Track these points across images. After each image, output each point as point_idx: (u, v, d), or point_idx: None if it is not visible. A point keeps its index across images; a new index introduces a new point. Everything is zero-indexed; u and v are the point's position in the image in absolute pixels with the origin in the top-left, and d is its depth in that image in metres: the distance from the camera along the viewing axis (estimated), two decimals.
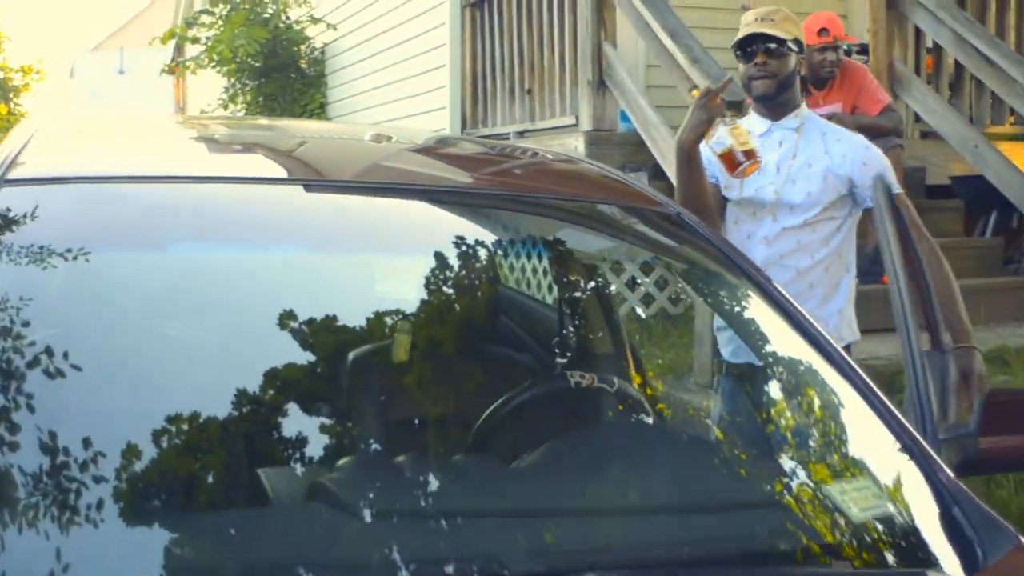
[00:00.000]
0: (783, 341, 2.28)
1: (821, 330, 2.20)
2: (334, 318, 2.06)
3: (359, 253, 2.25)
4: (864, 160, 3.42)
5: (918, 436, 2.02)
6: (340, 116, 11.21)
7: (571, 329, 2.64)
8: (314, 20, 11.25)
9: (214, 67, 11.24)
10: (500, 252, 2.51)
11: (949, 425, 2.27)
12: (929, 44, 7.45)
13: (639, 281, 6.55)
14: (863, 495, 1.92)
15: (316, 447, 1.91)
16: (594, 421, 2.33)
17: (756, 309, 2.34)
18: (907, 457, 1.95)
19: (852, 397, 2.07)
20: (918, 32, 7.30)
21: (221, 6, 11.25)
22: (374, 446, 2.06)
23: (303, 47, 11.74)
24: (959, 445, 2.19)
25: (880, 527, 1.84)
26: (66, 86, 33.98)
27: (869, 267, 5.69)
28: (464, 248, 2.30)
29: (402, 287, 2.35)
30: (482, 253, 2.38)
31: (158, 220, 1.98)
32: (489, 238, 2.48)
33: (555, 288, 2.72)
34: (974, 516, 1.81)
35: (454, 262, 2.27)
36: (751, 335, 2.47)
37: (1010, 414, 2.27)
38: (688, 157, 3.29)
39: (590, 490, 1.85)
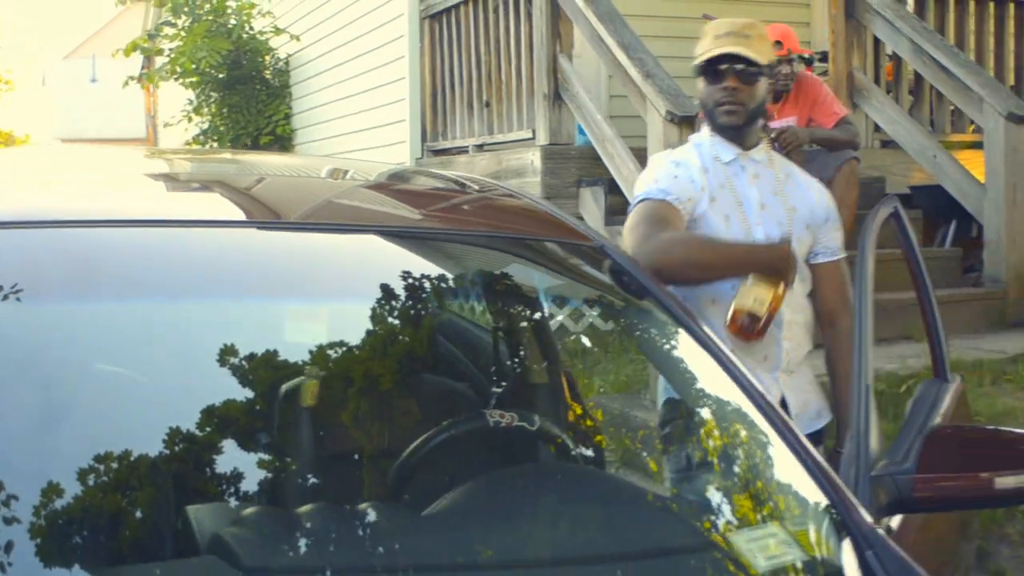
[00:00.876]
0: (706, 379, 2.24)
1: (744, 369, 2.15)
2: (247, 362, 2.00)
3: (275, 296, 2.18)
4: (828, 214, 3.23)
5: (836, 479, 1.98)
6: (305, 127, 11.13)
7: (503, 365, 2.59)
8: (278, 31, 11.17)
9: (177, 79, 11.15)
10: (428, 290, 2.44)
11: (885, 463, 2.23)
12: (890, 53, 7.42)
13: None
14: (772, 542, 1.89)
15: (219, 494, 1.85)
16: (510, 463, 2.28)
17: (679, 345, 2.29)
18: (824, 502, 1.91)
19: (771, 438, 2.04)
20: (877, 42, 7.27)
21: (183, 18, 11.16)
22: (282, 493, 1.99)
23: (268, 58, 11.67)
24: (892, 483, 2.16)
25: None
26: (38, 95, 33.79)
27: None
28: (392, 288, 2.24)
29: (321, 329, 2.28)
30: (409, 292, 2.32)
31: (76, 263, 1.92)
32: (416, 276, 2.41)
33: (486, 325, 2.66)
34: (888, 561, 1.79)
35: (381, 302, 2.22)
36: (674, 371, 2.42)
37: (944, 454, 2.24)
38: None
39: (494, 539, 1.81)
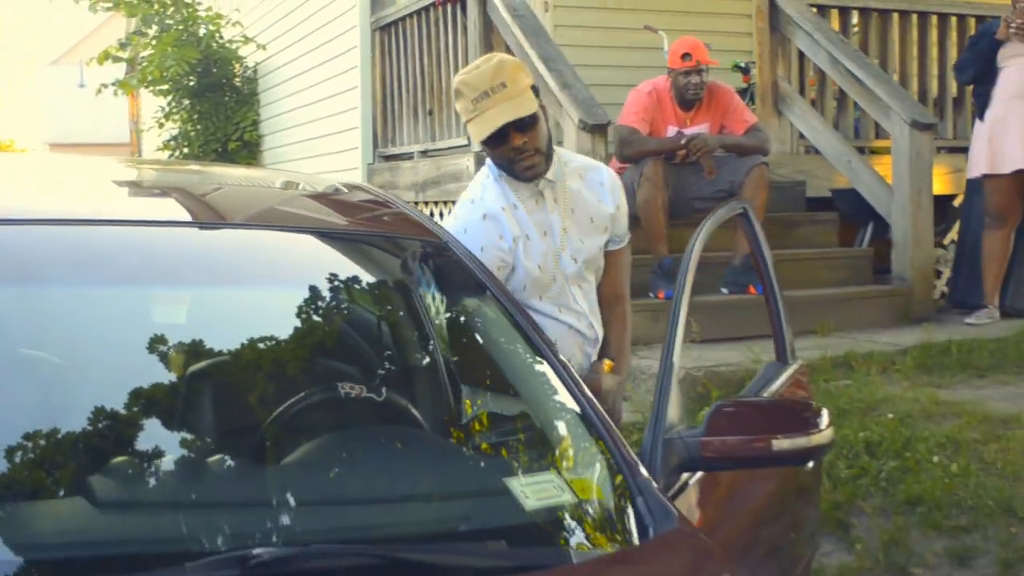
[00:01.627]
0: (524, 360, 2.60)
1: (557, 355, 2.52)
2: (117, 344, 2.34)
3: (143, 285, 2.50)
4: (617, 202, 3.33)
5: (621, 440, 2.34)
6: (271, 133, 11.48)
7: (358, 346, 2.90)
8: (246, 40, 11.51)
9: (147, 87, 11.49)
10: (295, 280, 2.75)
11: (680, 428, 2.56)
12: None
13: None
14: (550, 487, 2.22)
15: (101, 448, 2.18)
16: (354, 426, 2.59)
17: (504, 331, 2.64)
18: (606, 459, 2.27)
19: (573, 407, 2.39)
20: (802, 53, 7.61)
21: (154, 27, 11.51)
22: (150, 449, 2.31)
23: (237, 66, 12.00)
24: (682, 445, 2.49)
25: (561, 515, 2.14)
26: (26, 100, 34.10)
27: (736, 278, 6.02)
28: (265, 278, 2.60)
29: (189, 315, 2.60)
30: (280, 282, 2.66)
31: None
32: (287, 268, 2.74)
33: (344, 312, 2.96)
34: (653, 505, 2.13)
35: (248, 292, 2.57)
36: (498, 352, 2.74)
37: (728, 423, 2.56)
38: None
39: (314, 482, 2.15)
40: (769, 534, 3.12)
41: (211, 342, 2.50)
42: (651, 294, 6.03)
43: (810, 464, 3.22)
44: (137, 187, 3.13)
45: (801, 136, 7.61)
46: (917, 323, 6.29)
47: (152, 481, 2.07)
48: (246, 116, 11.70)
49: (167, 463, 2.11)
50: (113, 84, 11.81)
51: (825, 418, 2.57)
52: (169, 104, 12.03)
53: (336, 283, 2.86)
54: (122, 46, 11.80)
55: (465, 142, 7.10)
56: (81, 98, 30.42)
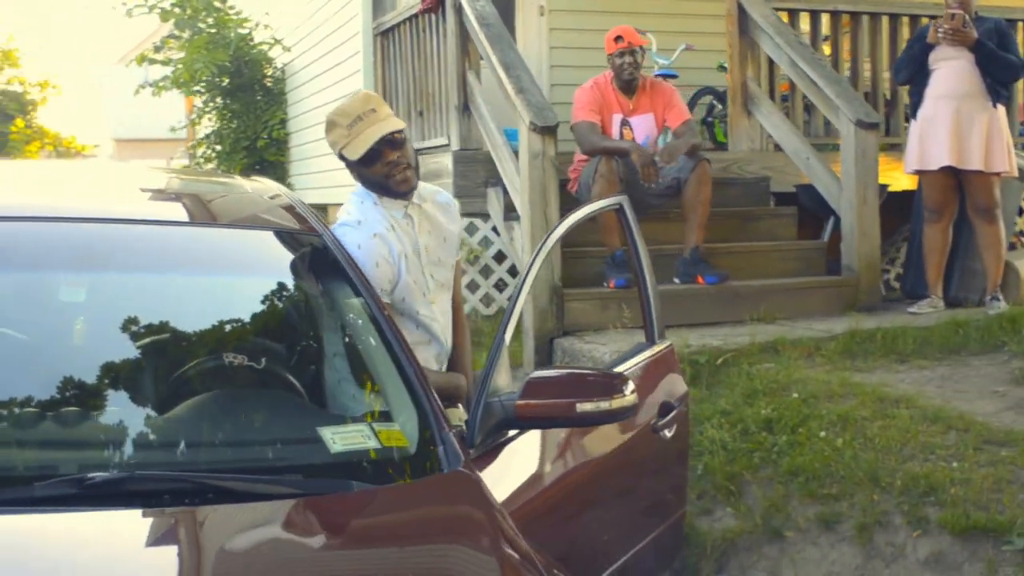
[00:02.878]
0: (369, 337, 3.07)
1: (397, 332, 3.00)
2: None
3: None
4: (457, 217, 3.77)
5: (437, 405, 2.82)
6: (297, 131, 12.04)
7: (244, 324, 3.36)
8: (275, 42, 12.09)
9: (179, 88, 12.13)
10: (185, 268, 3.22)
11: (500, 393, 3.02)
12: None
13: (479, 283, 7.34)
14: (357, 436, 2.71)
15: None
16: (233, 387, 3.05)
17: (359, 314, 3.12)
18: (420, 418, 2.75)
19: (403, 378, 2.87)
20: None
21: (187, 31, 12.14)
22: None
23: (268, 68, 12.59)
24: (500, 406, 2.95)
25: (360, 458, 2.60)
26: (92, 98, 35.16)
27: (685, 269, 6.45)
28: (161, 267, 3.12)
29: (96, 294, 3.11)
30: (173, 269, 3.16)
31: None
32: (176, 258, 3.22)
33: (232, 295, 3.42)
34: (450, 453, 2.64)
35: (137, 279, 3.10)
36: (352, 330, 3.20)
37: (544, 390, 3.01)
38: None
39: (164, 425, 2.65)
40: (605, 491, 3.55)
41: (112, 318, 3.02)
42: (604, 284, 6.46)
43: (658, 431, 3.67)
44: (68, 188, 3.66)
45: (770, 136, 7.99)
46: (863, 312, 6.64)
47: (41, 421, 2.58)
48: (274, 115, 12.29)
49: (58, 408, 2.63)
50: (150, 85, 12.46)
51: (630, 387, 3.00)
52: (205, 104, 12.66)
53: (228, 271, 3.34)
54: (156, 49, 12.45)
55: (446, 141, 7.59)
56: (144, 96, 31.25)
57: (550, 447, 3.38)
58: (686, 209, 6.61)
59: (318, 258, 3.27)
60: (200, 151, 12.68)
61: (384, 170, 3.46)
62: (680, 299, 6.45)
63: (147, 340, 2.99)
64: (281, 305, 3.28)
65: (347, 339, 3.18)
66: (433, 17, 7.71)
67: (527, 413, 2.93)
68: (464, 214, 7.15)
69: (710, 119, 9.15)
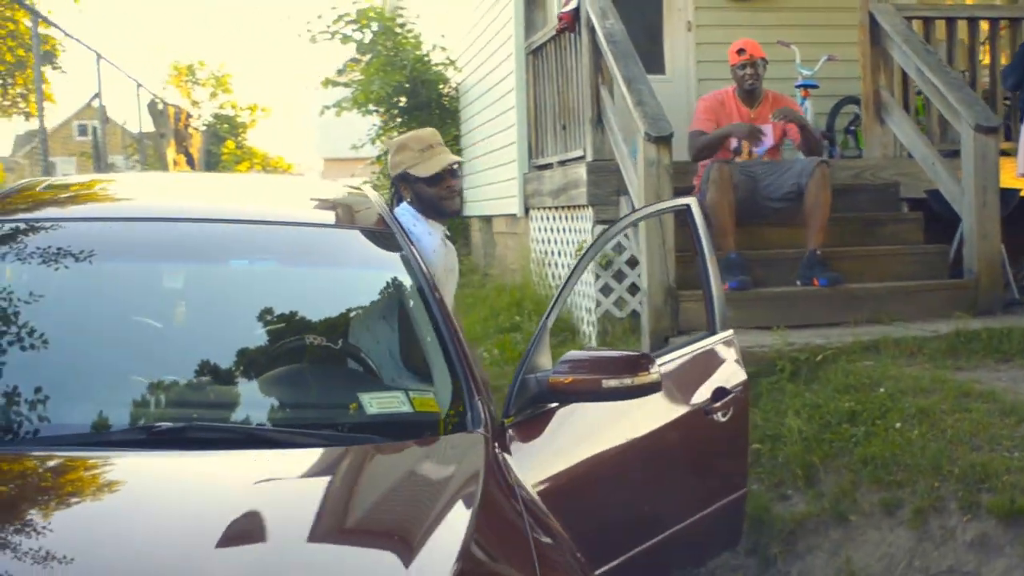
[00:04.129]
0: (422, 315, 3.53)
1: (449, 314, 3.46)
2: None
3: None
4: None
5: (476, 376, 3.26)
6: (467, 147, 12.66)
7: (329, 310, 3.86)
8: (449, 63, 12.78)
9: (357, 109, 12.94)
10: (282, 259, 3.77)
11: (538, 370, 3.44)
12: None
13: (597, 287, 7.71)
14: (393, 400, 3.19)
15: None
16: (301, 360, 3.55)
17: (415, 294, 3.59)
18: (455, 389, 3.19)
19: (445, 359, 3.32)
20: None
21: (368, 55, 12.95)
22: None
23: (445, 87, 13.27)
24: (535, 381, 3.37)
25: (391, 419, 3.07)
26: (306, 120, 36.91)
27: (803, 272, 6.70)
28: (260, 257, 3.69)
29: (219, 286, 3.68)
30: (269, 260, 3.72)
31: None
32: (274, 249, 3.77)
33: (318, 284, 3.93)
34: (475, 417, 3.07)
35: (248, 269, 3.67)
36: (409, 307, 3.67)
37: (576, 367, 3.40)
38: None
39: (236, 390, 3.18)
40: (650, 465, 3.89)
41: (212, 303, 3.59)
42: None
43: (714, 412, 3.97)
44: (182, 195, 4.28)
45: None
46: (984, 315, 6.71)
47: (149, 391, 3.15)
48: (448, 132, 12.95)
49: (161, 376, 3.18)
50: (333, 106, 13.33)
51: (655, 366, 3.36)
52: (384, 123, 13.45)
53: (310, 262, 3.85)
54: (339, 72, 13.32)
55: (582, 153, 8.01)
56: (350, 117, 32.67)
57: (597, 420, 3.71)
58: (806, 213, 6.86)
59: (388, 251, 3.75)
60: (380, 168, 13.45)
61: (442, 192, 4.12)
62: (796, 300, 6.71)
63: (245, 322, 3.51)
64: (351, 291, 3.77)
65: (405, 321, 3.64)
66: (570, 36, 8.15)
67: (558, 387, 3.32)
68: (597, 221, 7.62)
69: (852, 128, 9.29)
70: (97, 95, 13.17)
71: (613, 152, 7.70)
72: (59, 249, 3.44)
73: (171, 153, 19.30)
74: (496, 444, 3.08)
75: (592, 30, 7.62)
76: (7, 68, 16.88)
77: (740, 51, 7.02)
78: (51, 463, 2.69)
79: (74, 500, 2.50)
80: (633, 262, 7.85)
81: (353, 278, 3.83)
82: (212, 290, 3.67)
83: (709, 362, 4.26)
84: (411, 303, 3.67)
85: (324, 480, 2.77)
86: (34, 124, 14.93)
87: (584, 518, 3.38)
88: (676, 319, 6.59)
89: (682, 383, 4.13)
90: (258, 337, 3.50)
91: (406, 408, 3.17)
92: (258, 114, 25.36)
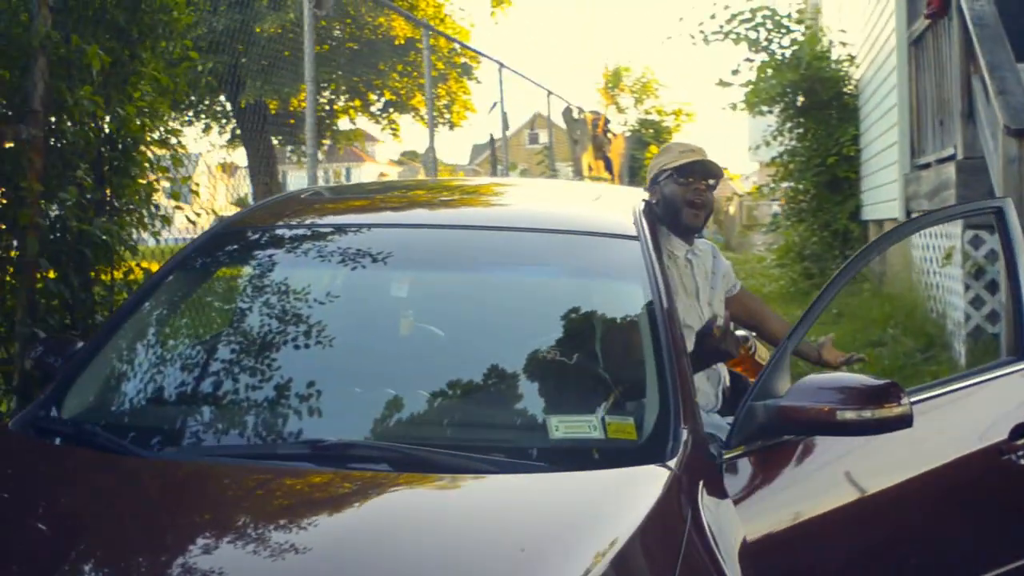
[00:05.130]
0: (645, 340, 3.19)
1: (671, 337, 3.10)
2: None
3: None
4: (724, 262, 3.92)
5: (685, 409, 2.86)
6: (865, 146, 11.86)
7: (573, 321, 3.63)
8: (850, 59, 12.10)
9: (747, 109, 12.53)
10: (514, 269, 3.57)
11: (773, 395, 3.03)
12: None
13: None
14: (579, 426, 2.85)
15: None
16: (507, 376, 3.33)
17: (644, 322, 3.25)
18: (662, 418, 2.80)
19: (660, 382, 2.97)
20: None
21: (761, 54, 12.51)
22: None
23: (845, 84, 12.56)
24: (763, 409, 2.94)
25: (576, 446, 2.74)
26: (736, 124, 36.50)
27: None
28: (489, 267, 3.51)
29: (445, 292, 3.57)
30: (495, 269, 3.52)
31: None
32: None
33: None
34: (676, 448, 2.66)
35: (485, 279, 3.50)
36: (635, 336, 3.34)
37: (812, 394, 2.92)
38: None
39: (416, 407, 2.99)
40: (918, 515, 3.29)
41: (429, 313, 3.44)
42: None
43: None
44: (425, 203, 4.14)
45: None
46: None
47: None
48: (846, 131, 12.23)
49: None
50: (727, 108, 13.01)
51: (903, 398, 2.81)
52: (779, 123, 12.94)
53: (537, 270, 3.61)
54: (733, 73, 12.96)
55: (953, 151, 7.23)
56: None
57: (848, 455, 3.16)
58: None
59: (623, 260, 3.40)
60: (774, 170, 12.97)
61: (686, 193, 3.66)
62: None
63: (452, 333, 3.34)
64: (568, 301, 3.46)
65: (624, 336, 3.29)
66: (944, 21, 7.39)
67: (788, 416, 2.88)
68: (969, 226, 6.84)
69: None
70: (496, 103, 13.61)
71: (983, 149, 6.89)
72: (290, 255, 3.43)
73: (587, 159, 19.65)
74: (692, 479, 2.68)
75: (960, 13, 6.85)
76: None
77: None
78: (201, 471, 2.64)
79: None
80: None
81: (578, 287, 3.50)
82: (432, 299, 3.50)
83: (1009, 393, 3.60)
84: (636, 318, 3.30)
85: (420, 510, 2.50)
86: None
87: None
88: None
89: (970, 417, 3.52)
90: (463, 350, 3.29)
91: (596, 434, 2.79)
92: (682, 118, 25.38)
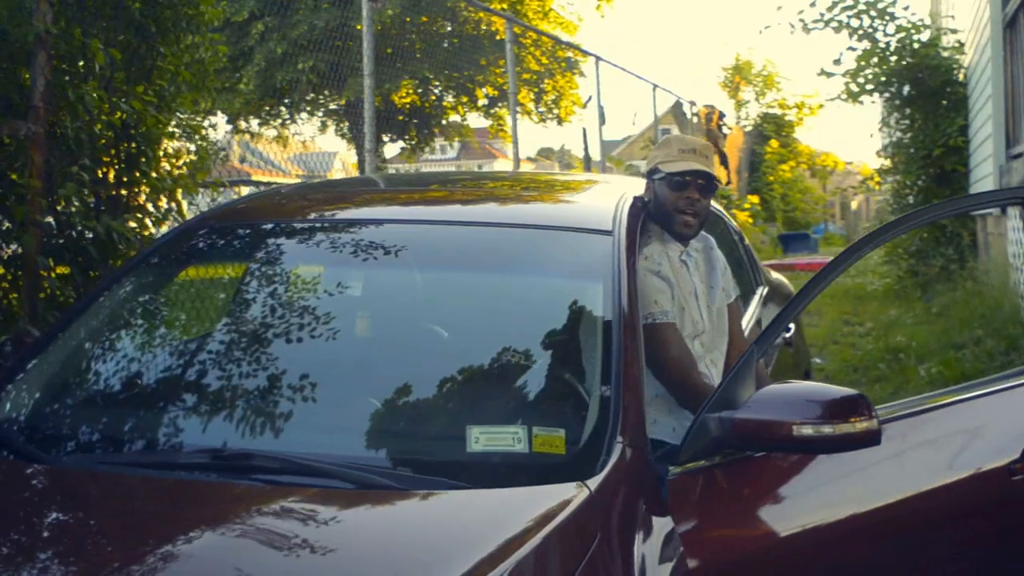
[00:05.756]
0: (593, 348, 2.96)
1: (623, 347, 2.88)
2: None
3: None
4: (724, 262, 3.62)
5: (622, 422, 2.63)
6: (972, 137, 11.31)
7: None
8: (959, 46, 11.53)
9: (848, 100, 12.03)
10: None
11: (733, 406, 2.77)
12: None
13: None
14: (501, 438, 2.65)
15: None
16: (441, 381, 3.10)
17: (595, 332, 3.03)
18: (600, 433, 2.57)
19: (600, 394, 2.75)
20: None
21: (864, 42, 12.00)
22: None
23: (955, 73, 11.97)
24: (717, 422, 2.64)
25: (496, 460, 2.54)
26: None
27: None
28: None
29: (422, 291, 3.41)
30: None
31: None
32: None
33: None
34: (608, 464, 2.45)
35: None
36: (583, 345, 3.09)
37: (769, 407, 2.66)
38: None
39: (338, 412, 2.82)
40: (910, 541, 2.96)
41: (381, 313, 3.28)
42: None
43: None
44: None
45: None
46: None
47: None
48: (953, 122, 11.66)
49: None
50: (831, 99, 12.53)
51: (872, 412, 2.54)
52: (887, 114, 12.42)
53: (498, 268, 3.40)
54: (835, 63, 12.43)
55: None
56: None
57: (827, 472, 2.82)
58: None
59: (588, 257, 3.17)
60: (880, 163, 12.46)
61: (677, 200, 3.40)
62: None
63: (398, 332, 3.16)
64: (519, 299, 3.19)
65: (571, 338, 3.04)
66: None
67: (741, 431, 2.59)
68: None
69: None
70: (591, 97, 13.37)
71: None
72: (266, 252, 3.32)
73: None
74: (626, 497, 2.46)
75: None
76: (535, 76, 17.65)
77: None
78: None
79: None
80: None
81: (534, 285, 3.23)
82: (386, 298, 3.33)
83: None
84: (588, 319, 3.03)
85: (279, 530, 2.31)
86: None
87: None
88: None
89: (976, 433, 3.19)
90: (394, 353, 3.08)
91: (520, 447, 2.56)
92: (804, 111, 24.66)
